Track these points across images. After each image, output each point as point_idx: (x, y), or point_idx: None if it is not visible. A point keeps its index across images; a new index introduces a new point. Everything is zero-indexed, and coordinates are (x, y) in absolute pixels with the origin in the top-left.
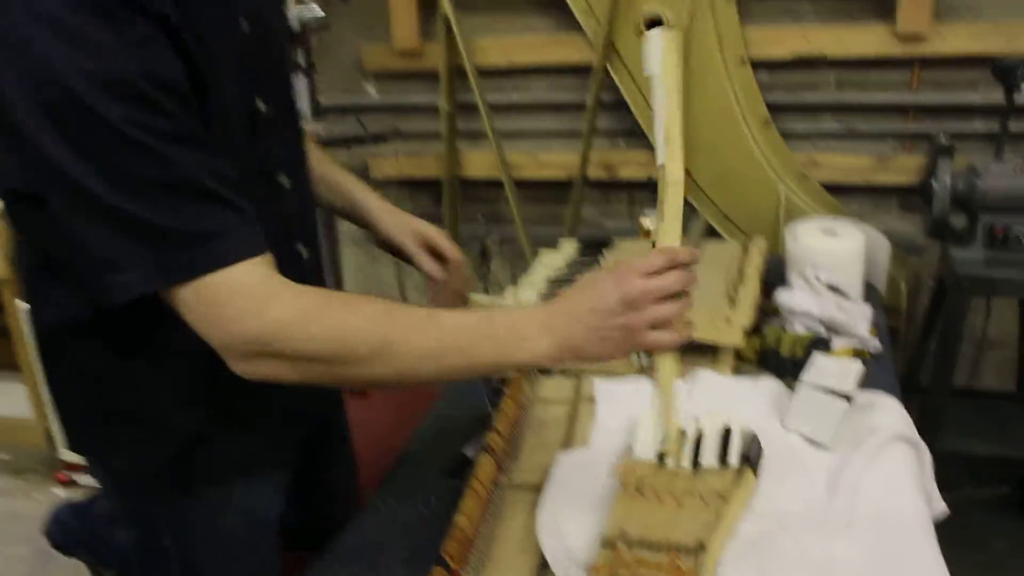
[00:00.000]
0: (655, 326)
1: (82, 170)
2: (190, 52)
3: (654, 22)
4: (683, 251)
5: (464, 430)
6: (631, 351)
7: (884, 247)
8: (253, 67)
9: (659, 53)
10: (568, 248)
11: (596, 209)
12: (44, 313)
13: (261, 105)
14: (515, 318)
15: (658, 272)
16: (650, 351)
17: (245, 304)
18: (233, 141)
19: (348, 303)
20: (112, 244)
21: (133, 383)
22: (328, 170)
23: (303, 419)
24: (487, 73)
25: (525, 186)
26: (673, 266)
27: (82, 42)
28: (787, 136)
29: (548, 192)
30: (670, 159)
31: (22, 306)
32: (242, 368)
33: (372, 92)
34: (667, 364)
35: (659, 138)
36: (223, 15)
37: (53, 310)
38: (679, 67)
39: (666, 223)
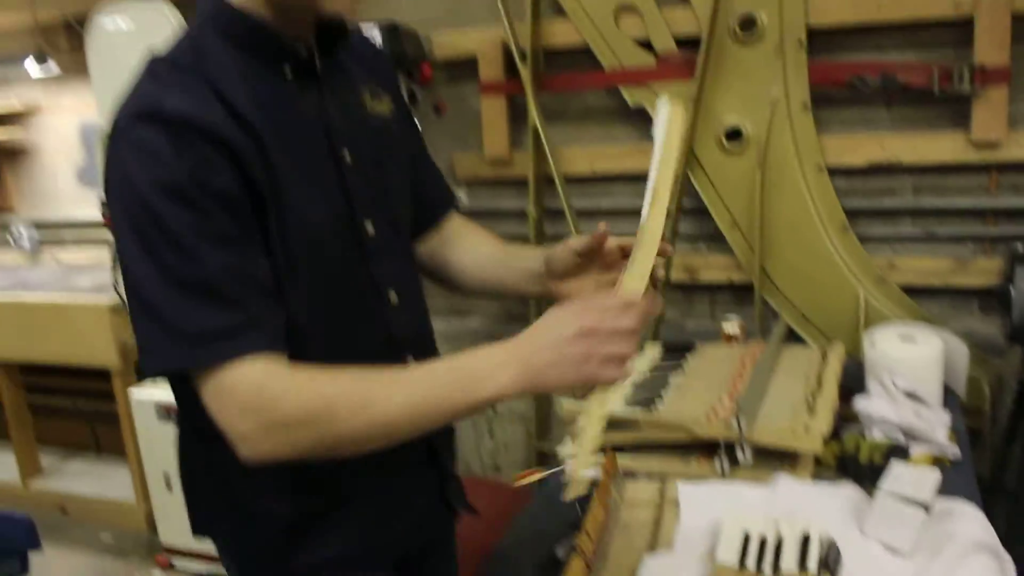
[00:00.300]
0: (607, 360)
1: (135, 256)
2: (252, 172)
3: (734, 133)
4: (644, 300)
5: (554, 532)
6: (586, 382)
7: (963, 352)
8: (358, 193)
9: (664, 121)
10: (652, 352)
11: (678, 310)
12: (181, 414)
13: (369, 228)
14: (478, 358)
15: (614, 312)
16: (598, 383)
17: (243, 396)
18: (325, 256)
19: (331, 373)
20: (144, 328)
21: (245, 476)
22: (499, 249)
23: (402, 526)
24: (573, 180)
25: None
26: (631, 308)
27: (154, 157)
28: (865, 240)
29: None
30: (652, 218)
31: (132, 394)
32: (244, 452)
33: (463, 197)
34: (604, 397)
35: (647, 197)
36: (313, 149)
37: (185, 411)
38: (681, 138)
39: (634, 273)
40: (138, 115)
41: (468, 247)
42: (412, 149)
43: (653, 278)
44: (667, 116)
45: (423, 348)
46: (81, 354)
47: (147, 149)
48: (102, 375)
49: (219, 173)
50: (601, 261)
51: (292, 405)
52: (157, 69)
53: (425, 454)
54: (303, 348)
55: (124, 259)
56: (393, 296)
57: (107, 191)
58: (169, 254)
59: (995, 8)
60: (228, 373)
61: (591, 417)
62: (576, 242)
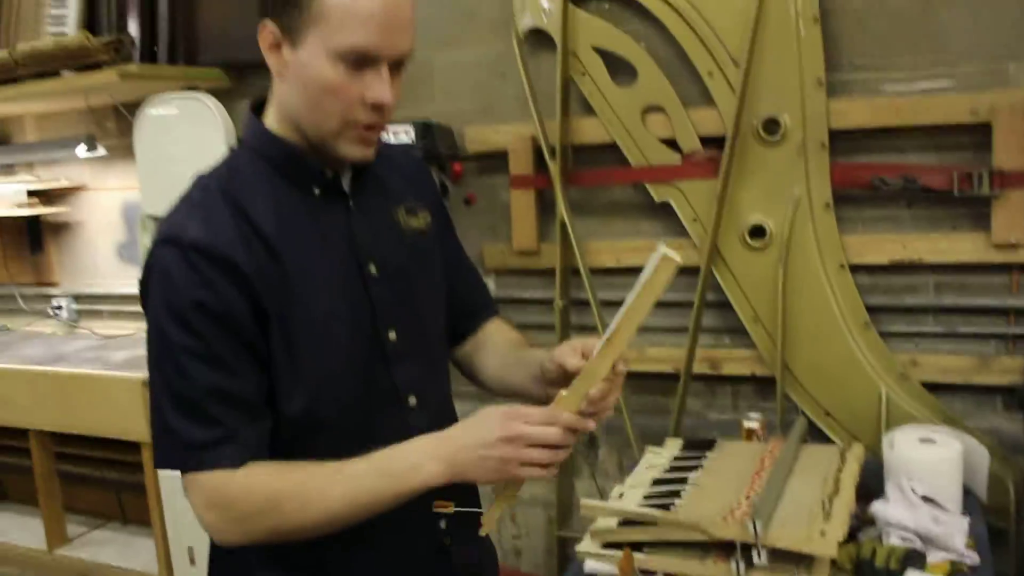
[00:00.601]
0: (526, 464)
1: (151, 362)
2: (260, 291)
3: (758, 230)
4: (569, 418)
5: None
6: (505, 479)
7: (983, 455)
8: (382, 303)
9: (653, 267)
10: (672, 448)
11: (701, 402)
12: None
13: (392, 335)
14: (408, 451)
15: (538, 424)
16: (518, 480)
17: (210, 495)
18: (346, 360)
19: (284, 471)
20: (153, 426)
21: (266, 563)
22: (518, 352)
23: None
24: (599, 271)
25: (633, 377)
26: (554, 424)
27: (167, 279)
28: (887, 337)
29: (655, 384)
30: (601, 357)
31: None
32: (215, 539)
33: (491, 286)
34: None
35: (607, 331)
36: (337, 262)
37: None
38: (663, 289)
39: (570, 394)
40: (164, 239)
41: (495, 351)
42: (451, 260)
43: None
44: (657, 263)
45: None
46: (113, 426)
47: (164, 271)
48: (132, 446)
49: (223, 296)
50: None
51: (247, 503)
52: (193, 194)
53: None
54: (323, 432)
55: (147, 361)
56: (412, 400)
57: (141, 298)
58: (169, 369)
59: (1012, 115)
60: (202, 475)
61: (501, 497)
62: (560, 355)
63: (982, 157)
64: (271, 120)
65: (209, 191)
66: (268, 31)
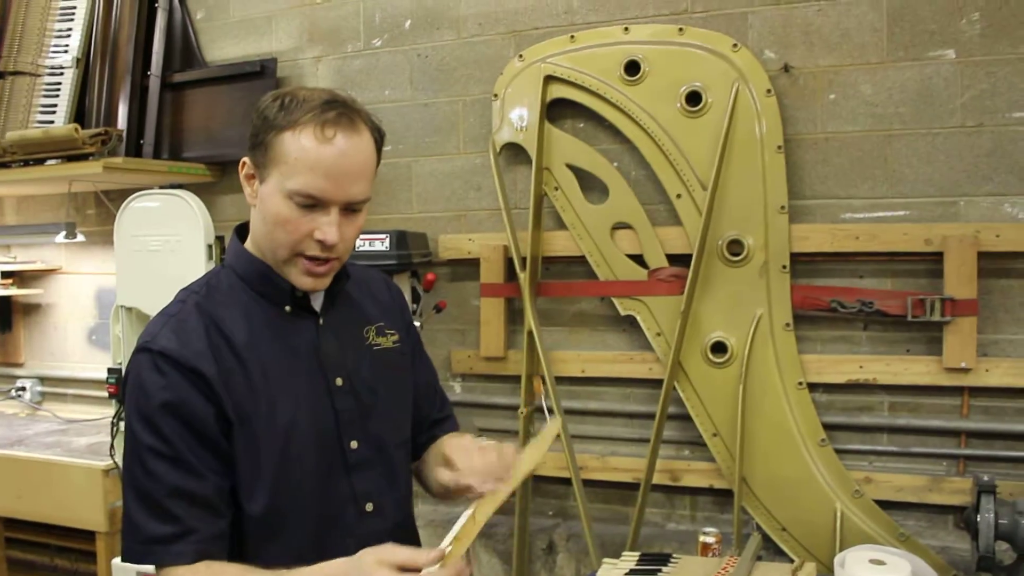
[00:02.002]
0: None
1: (124, 458)
2: (224, 399)
3: (719, 346)
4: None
5: None
6: None
7: None
8: (346, 414)
9: (531, 459)
10: (628, 562)
11: (660, 512)
12: None
13: (353, 444)
14: None
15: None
16: None
17: None
18: (306, 466)
19: (222, 573)
20: (123, 519)
21: None
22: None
23: None
24: (564, 380)
25: (594, 485)
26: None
27: (139, 385)
28: (843, 454)
29: (615, 492)
30: (465, 529)
31: (115, 563)
32: None
33: (457, 390)
34: None
35: (461, 520)
36: (303, 374)
37: None
38: (535, 462)
39: (455, 545)
40: (140, 347)
41: (436, 462)
42: (419, 381)
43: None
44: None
45: None
46: (70, 513)
47: (137, 375)
48: (87, 534)
49: (187, 401)
50: None
51: None
52: (171, 307)
53: None
54: (284, 531)
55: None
56: (370, 506)
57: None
58: (136, 467)
59: (961, 246)
60: (161, 571)
61: None
62: (457, 475)
63: (935, 284)
64: (250, 243)
65: (186, 304)
66: (245, 165)
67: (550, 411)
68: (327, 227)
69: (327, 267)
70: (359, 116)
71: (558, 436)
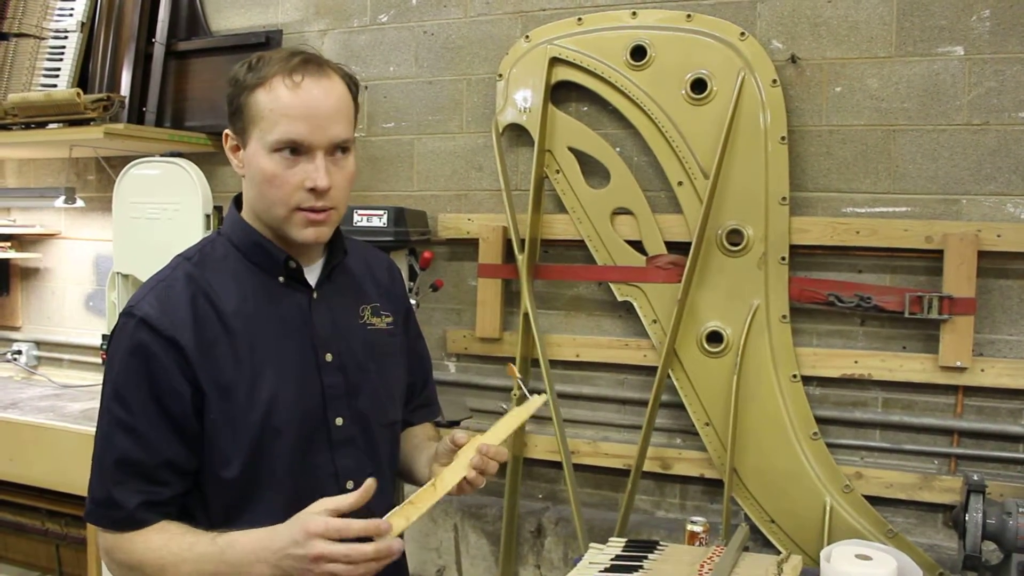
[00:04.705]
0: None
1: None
2: (198, 370)
3: (715, 335)
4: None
5: None
6: None
7: (918, 574)
8: (333, 390)
9: (505, 428)
10: (615, 547)
11: (649, 500)
12: None
13: (338, 421)
14: (247, 542)
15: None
16: None
17: (104, 544)
18: (290, 439)
19: (159, 538)
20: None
21: None
22: (422, 444)
23: None
24: (558, 363)
25: (585, 470)
26: (368, 535)
27: (116, 349)
28: (834, 448)
29: (605, 478)
30: (426, 489)
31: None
32: None
33: (451, 370)
34: None
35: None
36: (292, 346)
37: None
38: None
39: (399, 512)
40: (125, 310)
41: (408, 439)
42: (412, 366)
43: None
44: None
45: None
46: (61, 477)
47: (117, 337)
48: (78, 499)
49: (159, 370)
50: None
51: (123, 558)
52: (161, 273)
53: None
54: (259, 501)
55: None
56: (350, 484)
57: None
58: (100, 430)
59: (962, 244)
60: (102, 532)
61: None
62: (459, 436)
63: (933, 282)
64: (246, 212)
65: (176, 271)
66: (228, 137)
67: (527, 397)
68: (315, 173)
69: (325, 215)
70: (327, 63)
71: (552, 420)
